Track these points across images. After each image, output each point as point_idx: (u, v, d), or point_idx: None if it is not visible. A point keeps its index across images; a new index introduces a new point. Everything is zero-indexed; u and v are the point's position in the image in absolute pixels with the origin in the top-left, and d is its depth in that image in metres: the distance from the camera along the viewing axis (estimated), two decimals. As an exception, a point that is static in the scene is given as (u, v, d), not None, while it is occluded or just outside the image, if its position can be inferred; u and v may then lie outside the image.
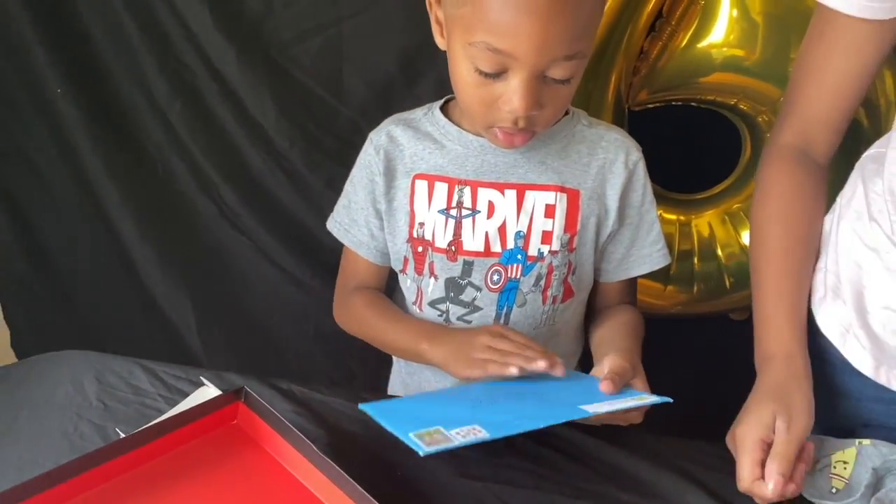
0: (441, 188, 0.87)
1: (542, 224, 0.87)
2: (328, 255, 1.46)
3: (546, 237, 0.87)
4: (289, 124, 1.35)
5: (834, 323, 0.82)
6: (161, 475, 0.69)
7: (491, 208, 0.87)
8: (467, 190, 0.87)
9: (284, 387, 0.83)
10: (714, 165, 1.40)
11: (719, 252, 1.32)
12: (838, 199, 0.84)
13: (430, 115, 0.90)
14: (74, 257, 1.46)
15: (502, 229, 0.87)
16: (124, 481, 0.67)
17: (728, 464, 0.79)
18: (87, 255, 1.45)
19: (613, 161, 0.88)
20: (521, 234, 0.87)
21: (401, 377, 1.04)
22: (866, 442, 0.74)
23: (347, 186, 0.95)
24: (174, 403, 0.79)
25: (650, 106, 1.30)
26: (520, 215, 0.86)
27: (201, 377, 0.82)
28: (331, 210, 1.39)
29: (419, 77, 1.33)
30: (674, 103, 1.29)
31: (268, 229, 1.42)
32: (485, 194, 0.87)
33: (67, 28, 1.30)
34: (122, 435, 0.73)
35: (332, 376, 1.49)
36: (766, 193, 0.85)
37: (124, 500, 0.66)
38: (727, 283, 1.32)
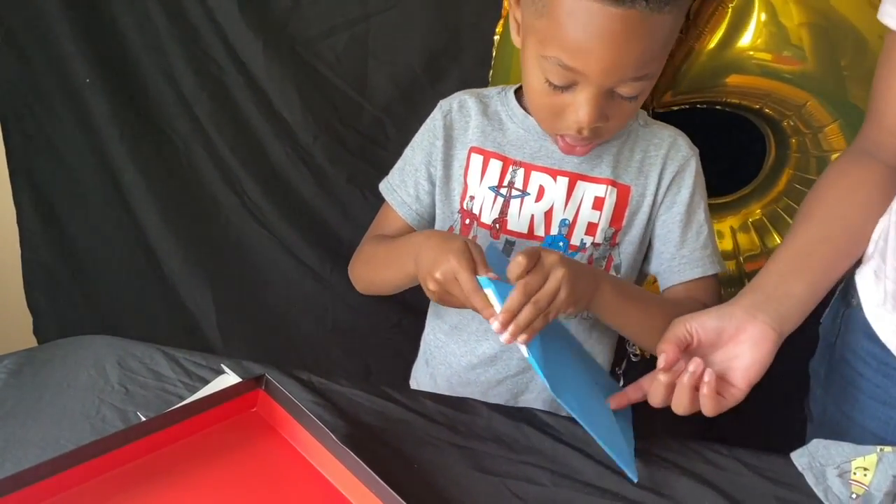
0: (495, 165, 0.89)
1: (588, 215, 0.88)
2: (347, 249, 1.46)
3: (591, 229, 0.89)
4: (313, 119, 1.35)
5: (892, 331, 0.79)
6: (180, 460, 0.69)
7: (541, 192, 0.88)
8: (520, 171, 0.89)
9: (304, 377, 0.84)
10: (738, 170, 1.39)
11: (740, 257, 1.31)
12: (894, 204, 0.80)
13: (502, 95, 0.92)
14: (97, 246, 1.47)
15: (548, 214, 0.89)
16: (143, 464, 0.68)
17: (745, 467, 0.79)
18: (110, 244, 1.46)
19: (665, 157, 0.90)
20: (567, 222, 0.89)
21: (425, 357, 1.05)
22: (888, 449, 0.73)
23: (407, 150, 0.97)
24: (195, 390, 0.80)
25: (674, 108, 1.30)
26: (568, 203, 0.88)
27: (222, 365, 0.83)
28: (352, 205, 1.42)
29: (443, 76, 1.33)
30: (698, 106, 1.29)
31: (289, 223, 1.43)
32: (537, 178, 0.88)
33: (96, 19, 1.32)
34: (143, 419, 0.74)
35: (348, 371, 1.50)
36: (817, 182, 0.85)
37: (143, 483, 0.66)
38: (747, 288, 1.31)
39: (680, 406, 0.72)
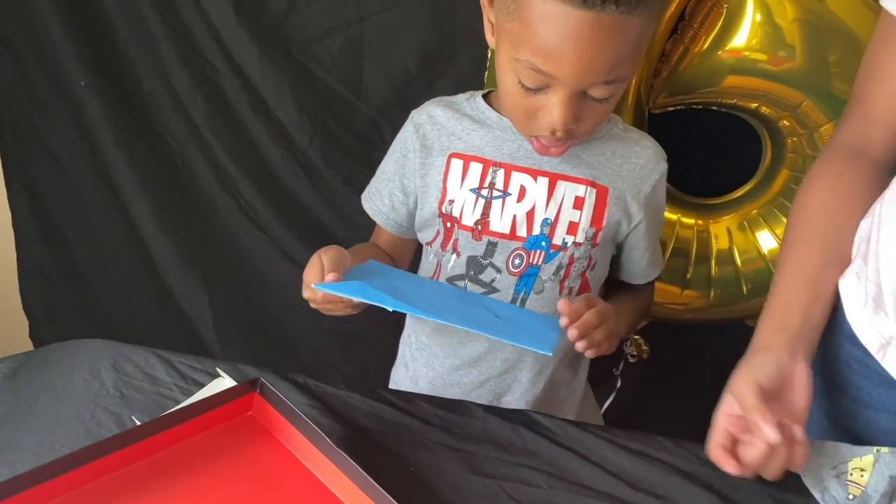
0: (475, 168, 0.90)
1: (569, 215, 0.89)
2: (344, 251, 1.47)
3: (572, 228, 0.90)
4: (309, 121, 1.35)
5: (873, 333, 0.78)
6: (175, 464, 0.69)
7: (522, 192, 0.89)
8: (501, 172, 0.89)
9: (300, 380, 0.84)
10: (734, 170, 1.39)
11: (737, 258, 1.31)
12: (876, 205, 0.79)
13: (471, 101, 0.93)
14: (93, 249, 1.47)
15: (530, 214, 0.89)
16: (139, 469, 0.68)
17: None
18: (106, 247, 1.46)
19: (644, 168, 0.92)
20: (548, 221, 0.89)
21: (404, 360, 1.06)
22: (884, 450, 0.73)
23: (383, 161, 0.99)
24: (190, 394, 0.80)
25: (670, 109, 1.30)
26: (549, 203, 0.89)
27: (217, 368, 0.83)
28: (348, 207, 1.41)
29: (439, 77, 1.33)
30: (694, 106, 1.29)
31: (285, 225, 1.42)
32: (517, 178, 0.89)
33: (92, 22, 1.32)
34: (138, 423, 0.74)
35: (345, 373, 1.50)
36: (808, 186, 0.84)
37: (138, 487, 0.66)
38: (744, 289, 1.31)
39: (774, 471, 0.71)
